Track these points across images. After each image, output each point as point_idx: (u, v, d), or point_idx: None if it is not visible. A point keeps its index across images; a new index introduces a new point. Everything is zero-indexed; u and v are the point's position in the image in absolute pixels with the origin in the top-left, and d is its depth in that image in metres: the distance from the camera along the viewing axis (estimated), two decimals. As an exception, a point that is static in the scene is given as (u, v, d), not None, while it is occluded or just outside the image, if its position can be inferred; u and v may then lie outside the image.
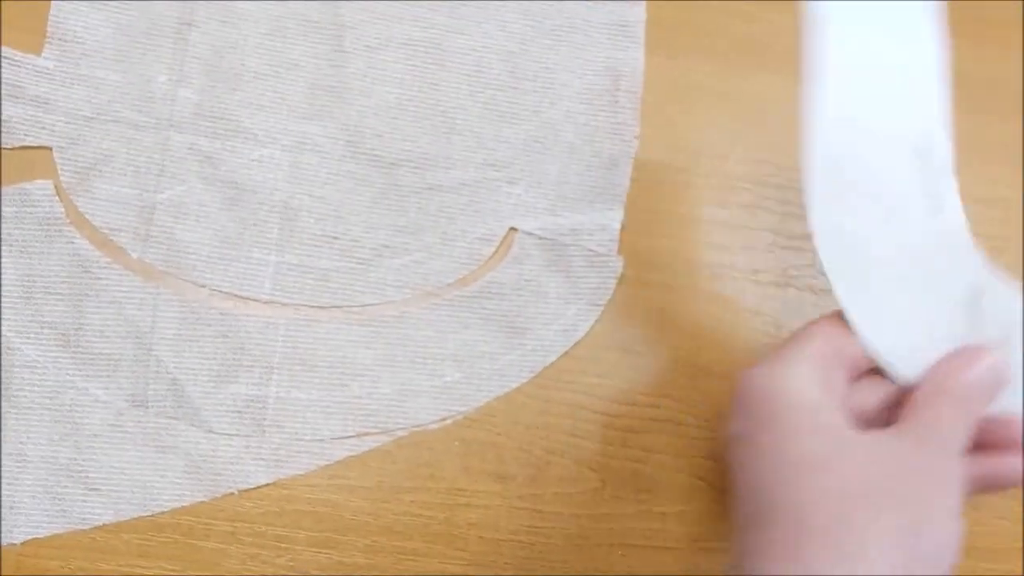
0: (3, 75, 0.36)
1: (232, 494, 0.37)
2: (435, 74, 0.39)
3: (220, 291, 0.38)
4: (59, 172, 0.37)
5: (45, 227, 0.37)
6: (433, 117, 0.39)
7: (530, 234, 0.39)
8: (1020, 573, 0.39)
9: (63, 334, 0.37)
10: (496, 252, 0.39)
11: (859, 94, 0.32)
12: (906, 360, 0.32)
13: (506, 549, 0.38)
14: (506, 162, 0.39)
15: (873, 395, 0.31)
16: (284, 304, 0.38)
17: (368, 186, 0.38)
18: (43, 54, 0.37)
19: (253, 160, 0.38)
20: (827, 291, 0.38)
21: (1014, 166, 0.42)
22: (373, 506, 0.38)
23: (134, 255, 0.37)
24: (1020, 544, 0.40)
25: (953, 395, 0.30)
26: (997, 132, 0.42)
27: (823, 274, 0.38)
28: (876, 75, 0.32)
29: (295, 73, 0.38)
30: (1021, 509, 0.40)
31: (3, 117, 0.36)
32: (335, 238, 0.38)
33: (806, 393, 0.29)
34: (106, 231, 0.37)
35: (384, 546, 0.38)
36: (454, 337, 0.39)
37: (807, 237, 0.38)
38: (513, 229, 0.39)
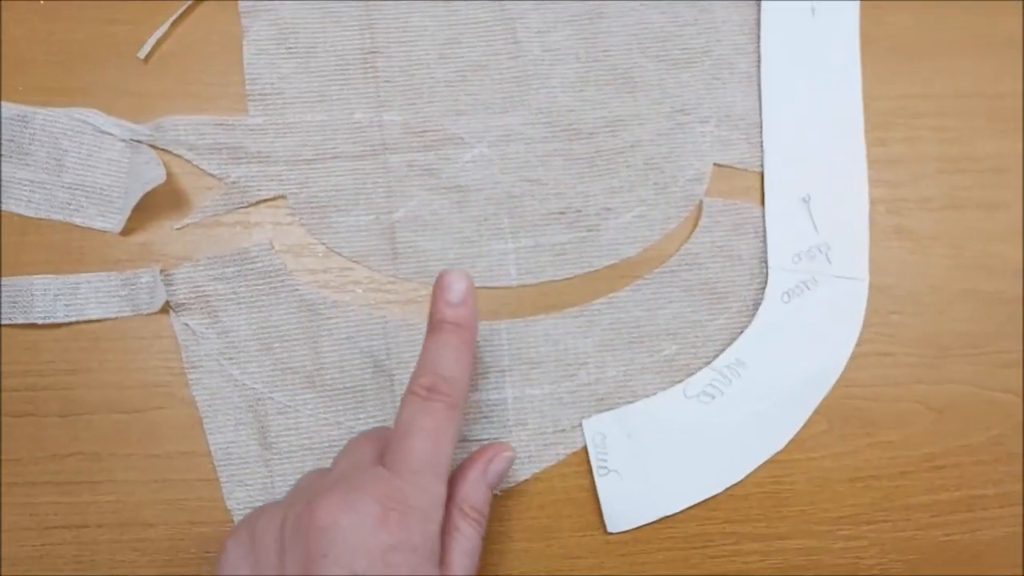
0: (222, 140, 0.38)
1: (496, 495, 0.37)
2: (604, 41, 0.40)
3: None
4: (298, 215, 0.38)
5: (268, 279, 0.38)
6: (614, 81, 0.40)
7: (715, 201, 0.40)
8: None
9: (307, 376, 0.37)
10: (686, 224, 0.40)
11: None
12: None
13: (754, 501, 0.38)
14: (693, 104, 0.40)
15: None
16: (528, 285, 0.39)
17: (575, 159, 0.39)
18: (249, 112, 0.38)
19: (467, 162, 0.39)
20: (996, 206, 0.41)
21: None
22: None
23: (386, 273, 0.38)
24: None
25: None
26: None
27: (989, 187, 0.41)
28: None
29: (481, 73, 0.39)
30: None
31: (232, 179, 0.38)
32: (561, 213, 0.39)
33: None
34: (356, 259, 0.38)
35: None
36: (662, 312, 0.39)
37: (969, 158, 0.41)
38: (717, 164, 0.40)
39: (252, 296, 0.38)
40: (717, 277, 0.39)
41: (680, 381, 0.38)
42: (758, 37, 0.41)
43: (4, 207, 0.37)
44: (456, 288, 0.33)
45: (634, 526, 0.37)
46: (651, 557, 0.38)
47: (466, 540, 0.32)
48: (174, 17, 0.38)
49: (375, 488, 0.29)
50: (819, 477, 0.38)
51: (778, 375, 0.39)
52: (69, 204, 0.37)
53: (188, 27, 0.39)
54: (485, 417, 0.38)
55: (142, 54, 0.38)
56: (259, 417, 0.37)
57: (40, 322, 0.37)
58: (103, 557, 0.36)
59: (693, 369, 0.39)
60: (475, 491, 0.33)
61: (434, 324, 0.33)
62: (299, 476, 0.36)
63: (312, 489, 0.30)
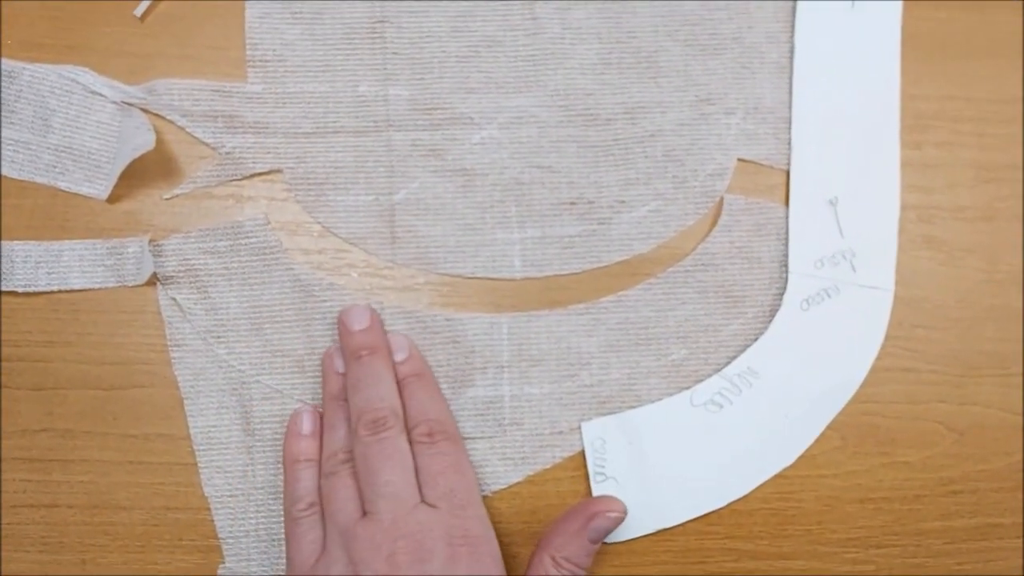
0: (218, 108, 0.36)
1: (486, 496, 0.36)
2: (629, 22, 0.38)
3: (475, 277, 0.36)
4: (294, 191, 0.36)
5: (262, 256, 0.36)
6: (637, 65, 0.38)
7: (736, 198, 0.37)
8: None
9: (297, 361, 0.36)
10: (704, 221, 0.38)
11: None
12: None
13: (758, 517, 0.37)
14: (719, 94, 0.38)
15: None
16: (534, 278, 0.36)
17: (590, 147, 0.37)
18: (248, 80, 0.36)
19: (475, 144, 0.37)
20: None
21: None
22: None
23: (383, 258, 0.36)
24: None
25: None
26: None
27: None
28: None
29: (495, 50, 0.37)
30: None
31: (227, 149, 0.36)
32: (572, 204, 0.37)
33: None
34: (353, 241, 0.36)
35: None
36: (673, 314, 0.37)
37: (1009, 167, 0.38)
38: (741, 159, 0.38)
39: (244, 273, 0.36)
40: (734, 280, 0.37)
41: (687, 387, 0.36)
42: (792, 26, 0.38)
43: (-13, 166, 0.36)
44: (399, 345, 0.35)
45: (629, 537, 0.36)
46: (645, 570, 0.36)
47: None
48: (174, -26, 0.37)
49: (436, 531, 0.32)
50: (828, 496, 0.37)
51: (792, 386, 0.37)
52: (54, 167, 0.36)
53: (189, -15, 0.37)
54: (480, 414, 0.36)
55: (139, 12, 0.36)
56: (243, 401, 0.35)
57: (20, 291, 0.35)
58: (72, 539, 0.35)
59: (702, 376, 0.37)
60: (571, 544, 0.33)
61: (399, 379, 0.35)
62: (280, 465, 0.35)
63: (376, 544, 0.31)
